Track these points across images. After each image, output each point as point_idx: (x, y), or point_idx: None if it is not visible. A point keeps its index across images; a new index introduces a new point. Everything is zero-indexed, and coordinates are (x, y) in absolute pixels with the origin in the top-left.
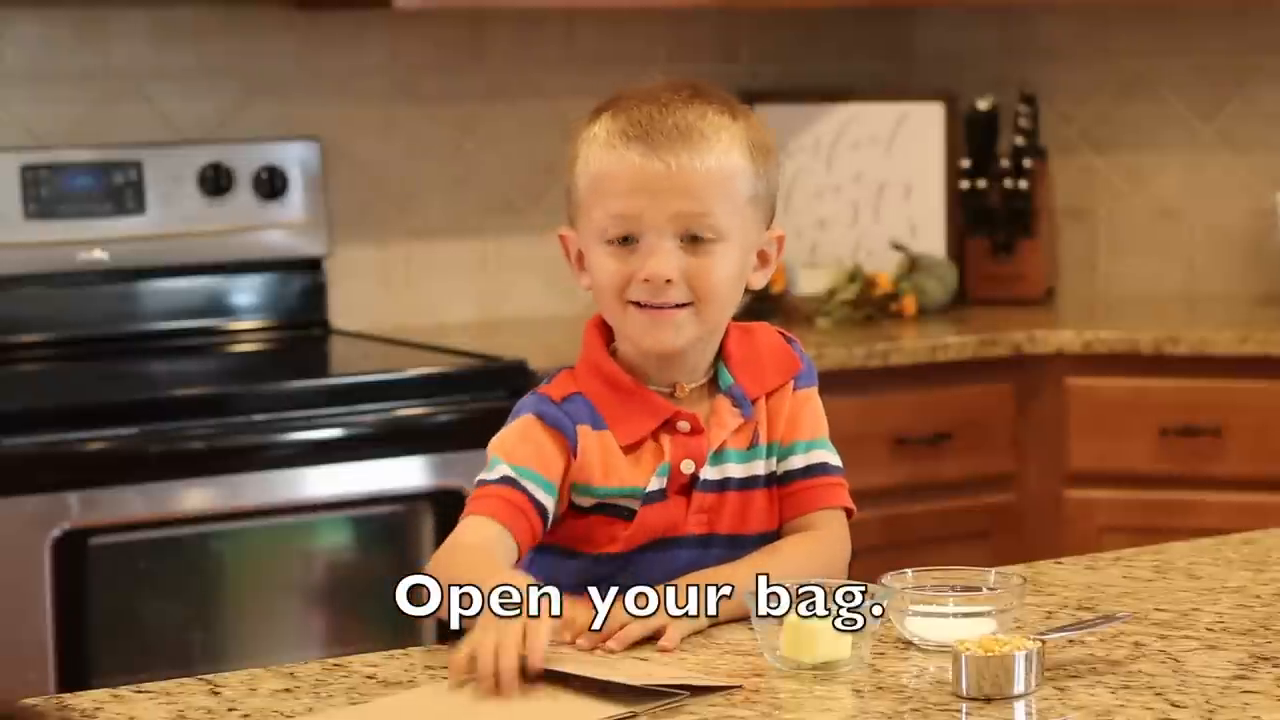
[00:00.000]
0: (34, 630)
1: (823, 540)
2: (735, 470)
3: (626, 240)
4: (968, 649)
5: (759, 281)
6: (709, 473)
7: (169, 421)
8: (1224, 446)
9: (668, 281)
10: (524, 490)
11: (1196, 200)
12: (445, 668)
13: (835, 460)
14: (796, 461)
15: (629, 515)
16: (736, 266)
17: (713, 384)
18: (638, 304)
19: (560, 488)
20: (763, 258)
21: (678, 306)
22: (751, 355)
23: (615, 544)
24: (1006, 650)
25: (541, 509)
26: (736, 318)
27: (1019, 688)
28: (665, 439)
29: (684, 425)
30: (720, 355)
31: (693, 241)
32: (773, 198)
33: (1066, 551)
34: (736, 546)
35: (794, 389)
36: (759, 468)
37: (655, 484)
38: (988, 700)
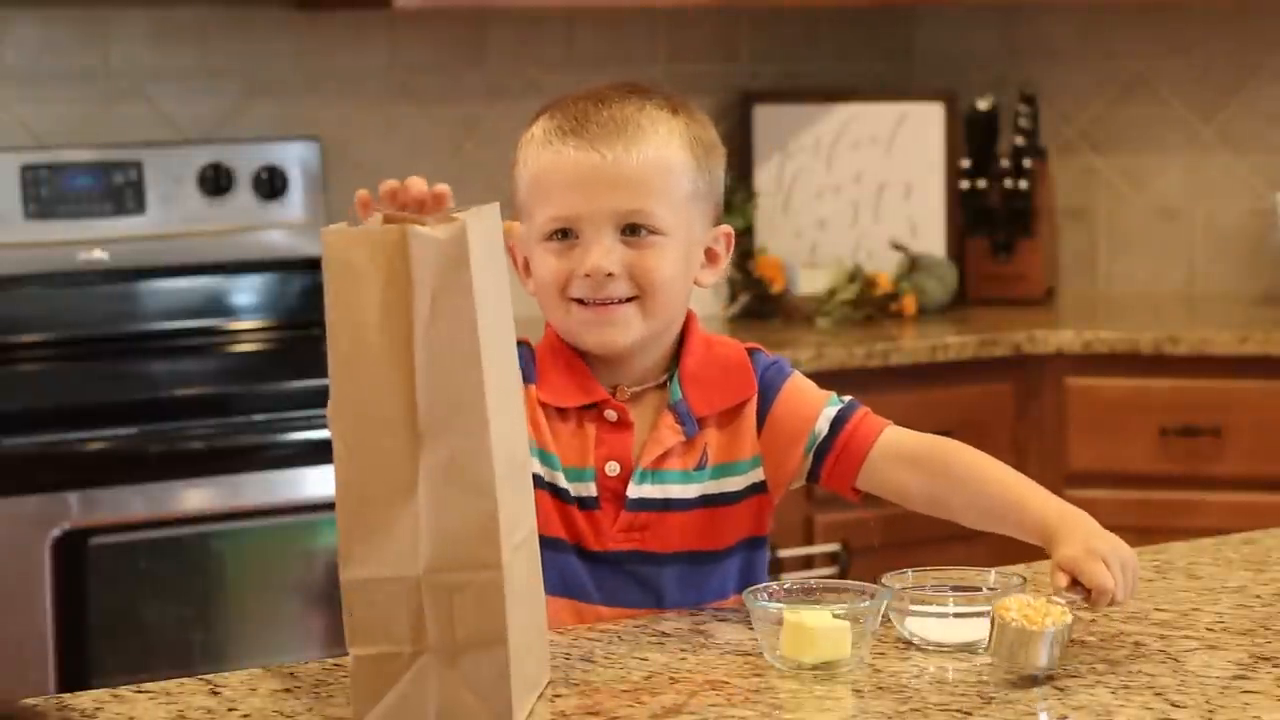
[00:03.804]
0: (34, 630)
1: (953, 446)
2: (677, 491)
3: (565, 235)
4: (1009, 615)
5: (708, 279)
6: (648, 490)
7: (169, 421)
8: (1224, 446)
9: (609, 275)
10: None
11: (1196, 200)
12: None
13: (845, 401)
14: (822, 430)
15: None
16: (680, 262)
17: (661, 397)
18: (580, 301)
19: None
20: (711, 255)
21: (622, 302)
22: (707, 372)
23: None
24: (1039, 627)
25: None
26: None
27: (1043, 661)
28: (590, 427)
29: (611, 415)
30: (675, 367)
31: (633, 234)
32: (718, 194)
33: None
34: (656, 563)
35: (774, 397)
36: (702, 490)
37: (587, 489)
38: (1010, 671)
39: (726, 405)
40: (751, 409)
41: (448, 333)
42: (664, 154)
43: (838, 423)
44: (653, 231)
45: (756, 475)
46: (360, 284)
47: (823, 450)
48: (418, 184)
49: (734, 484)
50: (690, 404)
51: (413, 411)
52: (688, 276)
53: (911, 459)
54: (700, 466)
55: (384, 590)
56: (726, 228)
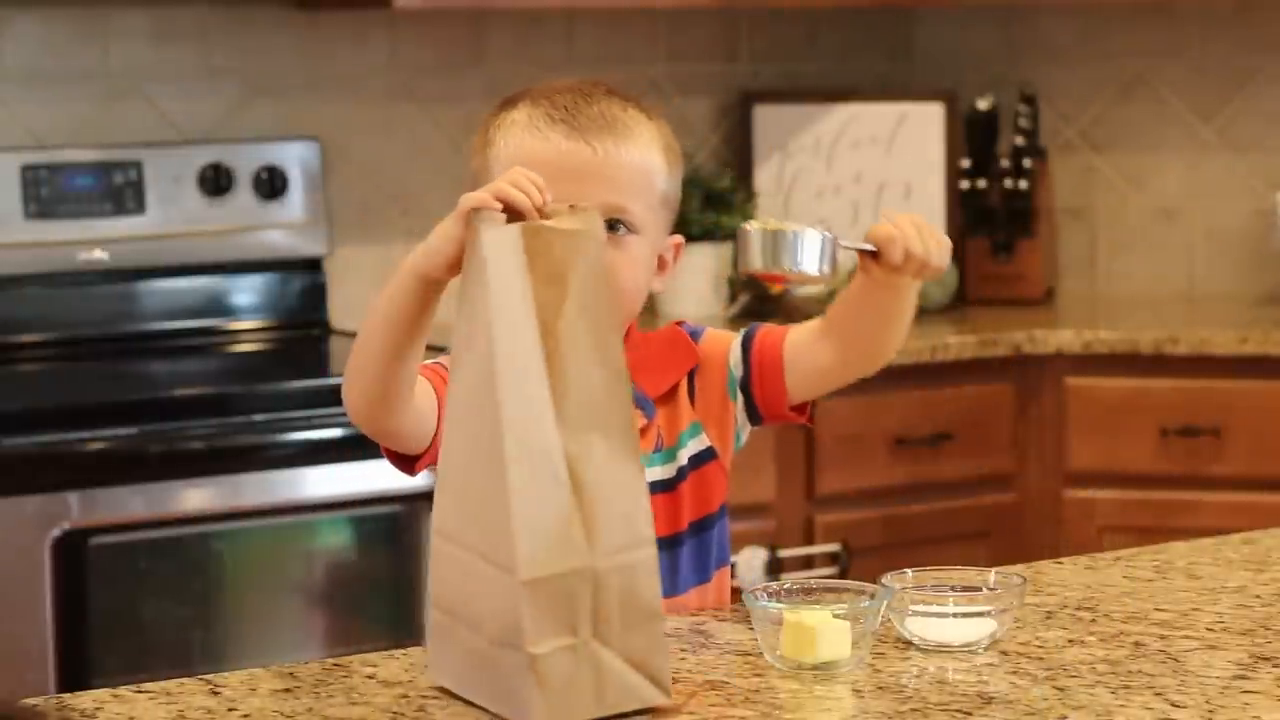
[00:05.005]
0: (34, 630)
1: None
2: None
3: None
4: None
5: (657, 286)
6: None
7: (169, 421)
8: (1224, 446)
9: None
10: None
11: (1196, 200)
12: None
13: (747, 329)
14: (736, 365)
15: None
16: (646, 265)
17: None
18: None
19: None
20: (661, 263)
21: None
22: (649, 354)
23: None
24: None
25: None
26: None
27: (809, 267)
28: None
29: None
30: None
31: (611, 229)
32: (677, 203)
33: (1066, 551)
34: None
35: (699, 355)
36: (663, 473)
37: None
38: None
39: (677, 379)
40: (683, 381)
41: (592, 323)
42: (646, 156)
43: (746, 346)
44: (629, 231)
45: (700, 444)
46: (518, 282)
47: (746, 379)
48: (532, 189)
49: (682, 458)
50: (642, 388)
51: (563, 403)
52: (648, 281)
53: (816, 338)
54: (657, 449)
55: (563, 584)
56: (678, 237)
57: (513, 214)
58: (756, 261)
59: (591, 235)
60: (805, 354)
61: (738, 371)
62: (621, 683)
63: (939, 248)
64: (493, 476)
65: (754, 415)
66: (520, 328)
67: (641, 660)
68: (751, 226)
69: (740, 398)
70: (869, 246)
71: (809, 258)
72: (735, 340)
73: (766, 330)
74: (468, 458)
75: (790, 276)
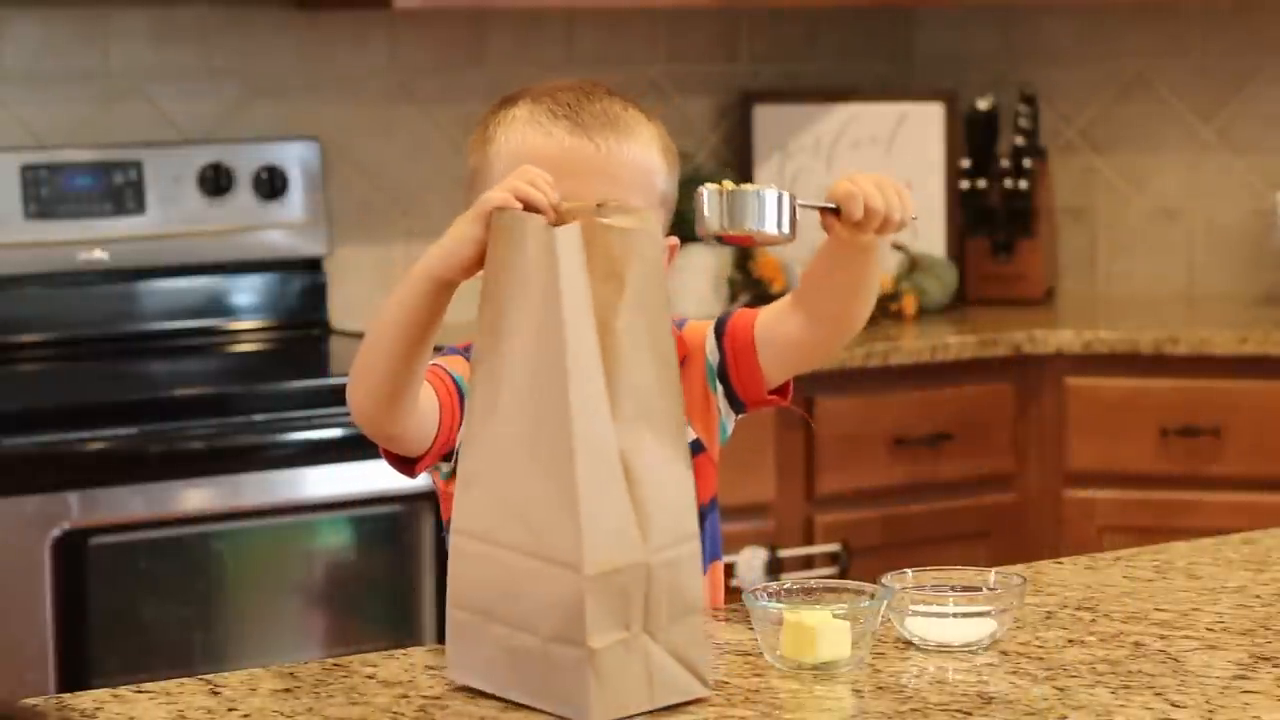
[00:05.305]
0: (34, 630)
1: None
2: None
3: None
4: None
5: None
6: None
7: (169, 421)
8: (1224, 446)
9: None
10: (450, 374)
11: (1196, 200)
12: (445, 668)
13: (719, 316)
14: (711, 352)
15: None
16: None
17: None
18: None
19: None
20: None
21: None
22: None
23: None
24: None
25: (462, 392)
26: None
27: (769, 226)
28: None
29: None
30: None
31: None
32: (674, 204)
33: (1066, 551)
34: None
35: (686, 347)
36: None
37: None
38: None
39: None
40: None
41: (648, 320)
42: (647, 155)
43: (719, 333)
44: None
45: (686, 437)
46: (581, 280)
47: (722, 365)
48: (546, 187)
49: (713, 349)
50: None
51: (617, 399)
52: None
53: (786, 313)
54: None
55: (620, 579)
56: (674, 239)
57: (530, 212)
58: (714, 223)
59: (647, 233)
60: (776, 329)
61: (714, 359)
62: (667, 675)
63: (900, 202)
64: (551, 475)
65: (735, 403)
66: (582, 326)
67: (684, 653)
68: (707, 188)
69: (720, 387)
70: (829, 204)
71: (767, 216)
72: (709, 328)
73: (739, 314)
74: (510, 456)
75: (751, 236)
